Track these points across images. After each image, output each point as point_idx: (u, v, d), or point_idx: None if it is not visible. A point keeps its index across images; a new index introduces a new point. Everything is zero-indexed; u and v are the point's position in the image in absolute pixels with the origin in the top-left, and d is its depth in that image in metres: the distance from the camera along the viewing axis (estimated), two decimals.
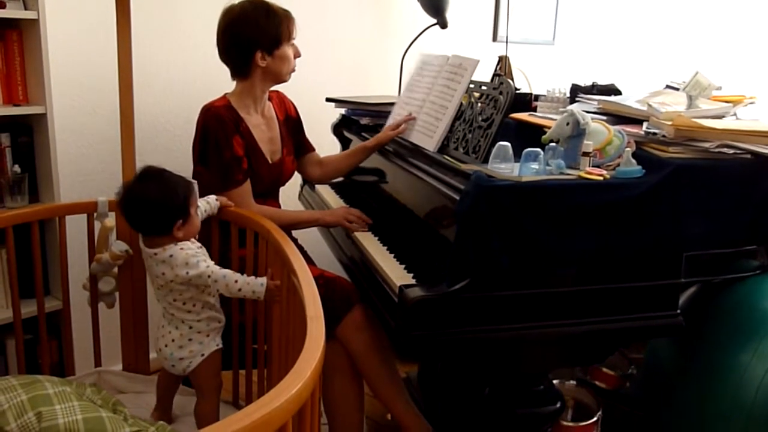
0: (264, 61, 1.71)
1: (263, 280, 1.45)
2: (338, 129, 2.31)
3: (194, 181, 1.54)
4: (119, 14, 1.60)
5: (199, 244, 1.53)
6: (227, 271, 1.45)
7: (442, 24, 2.54)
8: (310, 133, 2.04)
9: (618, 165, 1.42)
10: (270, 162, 1.81)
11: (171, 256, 1.44)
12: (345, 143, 2.33)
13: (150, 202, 1.43)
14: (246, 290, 1.44)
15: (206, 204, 1.62)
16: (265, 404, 0.77)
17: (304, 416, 0.88)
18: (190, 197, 1.47)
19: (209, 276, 1.43)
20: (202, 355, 1.51)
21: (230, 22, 1.70)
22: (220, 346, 1.55)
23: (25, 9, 1.70)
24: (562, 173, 1.39)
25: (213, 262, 1.47)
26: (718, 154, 1.45)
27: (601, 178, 1.36)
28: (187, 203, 1.46)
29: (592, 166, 1.41)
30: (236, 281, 1.44)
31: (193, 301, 1.50)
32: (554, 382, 1.73)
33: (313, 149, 2.03)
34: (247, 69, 1.73)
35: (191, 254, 1.45)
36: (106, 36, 1.74)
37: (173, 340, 1.50)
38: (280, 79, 1.78)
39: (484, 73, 2.15)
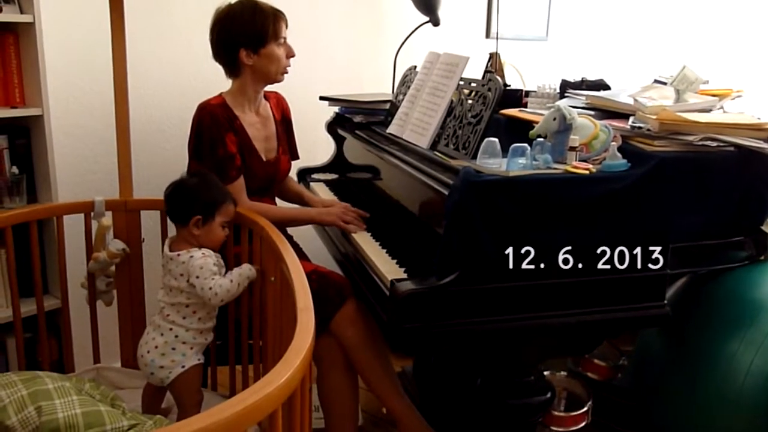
0: (250, 59, 1.73)
1: (246, 266, 1.57)
2: (332, 127, 2.34)
3: (232, 202, 1.62)
4: (113, 16, 1.63)
5: (222, 263, 1.59)
6: (224, 281, 1.52)
7: (434, 22, 2.56)
8: (304, 132, 2.06)
9: (604, 159, 1.45)
10: (264, 160, 1.84)
11: (191, 257, 1.51)
12: (339, 141, 2.35)
13: (183, 188, 1.57)
14: (242, 281, 1.54)
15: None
16: (255, 392, 0.79)
17: (294, 404, 0.91)
18: (219, 205, 1.57)
19: (210, 288, 1.49)
20: (183, 366, 1.52)
21: (217, 21, 1.74)
22: (201, 361, 1.57)
23: (21, 13, 1.72)
24: (549, 168, 1.41)
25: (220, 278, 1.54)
26: (702, 147, 1.47)
27: (587, 172, 1.39)
28: (213, 206, 1.56)
29: (579, 161, 1.44)
30: (231, 281, 1.52)
31: (193, 308, 1.54)
32: (546, 373, 1.76)
33: (296, 158, 2.03)
34: (235, 68, 1.76)
35: (210, 263, 1.52)
36: (101, 38, 1.77)
37: (156, 347, 1.53)
38: (271, 79, 1.80)
39: (476, 70, 2.18)
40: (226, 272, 1.59)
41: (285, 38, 1.78)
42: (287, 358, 0.86)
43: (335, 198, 2.11)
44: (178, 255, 1.52)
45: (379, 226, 1.80)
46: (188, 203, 1.55)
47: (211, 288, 1.49)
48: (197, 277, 1.49)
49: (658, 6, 3.62)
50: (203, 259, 1.51)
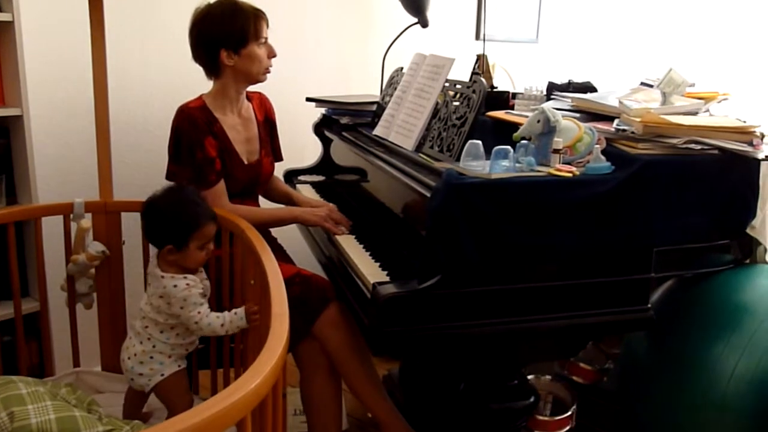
0: (231, 60, 1.71)
1: (241, 312, 1.44)
2: (319, 129, 2.32)
3: (211, 221, 1.50)
4: (93, 15, 1.61)
5: (207, 285, 1.54)
6: (213, 318, 1.45)
7: (423, 23, 2.54)
8: (292, 133, 2.04)
9: (588, 162, 1.44)
10: (246, 163, 1.82)
11: (175, 286, 1.45)
12: (326, 143, 2.34)
13: (155, 211, 1.49)
14: (231, 328, 1.44)
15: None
16: (222, 399, 0.78)
17: (265, 411, 0.89)
18: (192, 233, 1.46)
19: (196, 323, 1.44)
20: (162, 374, 1.50)
21: (196, 21, 1.71)
22: (182, 367, 1.54)
23: (0, 11, 1.70)
24: (532, 170, 1.40)
25: (208, 310, 1.47)
26: (686, 150, 1.47)
27: (570, 174, 1.38)
28: (185, 234, 1.45)
29: (563, 163, 1.43)
30: (222, 325, 1.44)
31: (171, 325, 1.50)
32: (530, 377, 1.75)
33: (279, 159, 2.01)
34: (216, 69, 1.74)
35: (193, 295, 1.45)
36: (82, 37, 1.75)
37: (135, 354, 1.50)
38: (252, 79, 1.78)
39: (465, 72, 2.17)
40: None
41: (266, 38, 1.76)
42: (258, 365, 0.84)
43: (321, 200, 2.10)
44: (162, 277, 1.47)
45: (363, 229, 1.79)
46: (159, 230, 1.48)
47: (197, 322, 1.44)
48: (181, 308, 1.45)
49: (648, 9, 3.63)
50: (187, 291, 1.45)
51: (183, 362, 1.55)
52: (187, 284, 1.46)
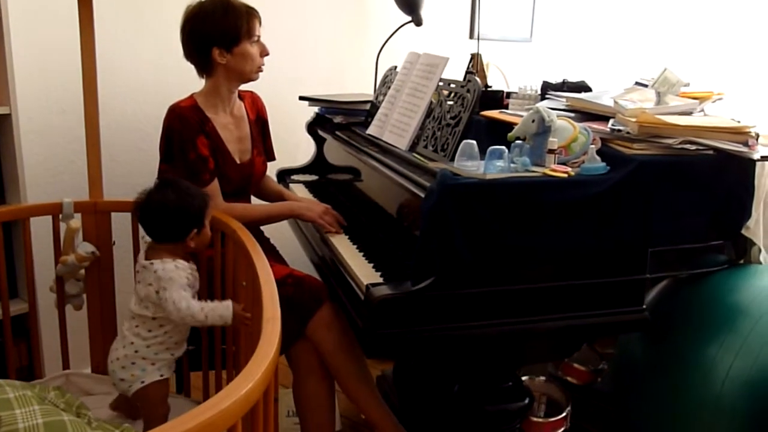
0: (223, 58, 1.69)
1: (228, 302, 1.42)
2: (312, 128, 2.31)
3: (209, 194, 1.57)
4: (82, 12, 1.59)
5: (196, 276, 1.52)
6: (194, 303, 1.42)
7: (417, 22, 2.53)
8: (286, 132, 2.02)
9: (583, 162, 1.43)
10: (238, 162, 1.80)
11: (164, 268, 1.44)
12: (320, 142, 2.32)
13: (168, 209, 1.46)
14: (212, 316, 1.42)
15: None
16: (213, 405, 0.76)
17: (256, 418, 0.87)
18: (206, 210, 1.51)
19: (174, 303, 1.41)
20: (142, 382, 1.47)
21: (188, 19, 1.69)
22: (165, 377, 1.51)
23: None
24: (527, 170, 1.39)
25: (190, 296, 1.45)
26: (681, 150, 1.46)
27: (565, 175, 1.37)
28: (202, 214, 1.49)
29: (558, 163, 1.42)
30: (202, 309, 1.42)
31: (160, 322, 1.48)
32: (524, 378, 1.74)
33: (272, 159, 2.00)
34: (208, 67, 1.72)
35: (180, 277, 1.44)
36: (71, 34, 1.72)
37: (118, 359, 1.49)
38: (245, 78, 1.76)
39: (459, 71, 2.15)
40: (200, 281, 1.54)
41: (259, 36, 1.74)
42: (248, 371, 0.83)
43: (315, 200, 2.08)
44: (152, 263, 1.46)
45: (357, 229, 1.77)
46: (180, 222, 1.47)
47: (174, 302, 1.41)
48: (165, 288, 1.42)
49: (641, 8, 3.63)
50: (175, 272, 1.44)
51: (167, 371, 1.52)
52: (176, 266, 1.45)
